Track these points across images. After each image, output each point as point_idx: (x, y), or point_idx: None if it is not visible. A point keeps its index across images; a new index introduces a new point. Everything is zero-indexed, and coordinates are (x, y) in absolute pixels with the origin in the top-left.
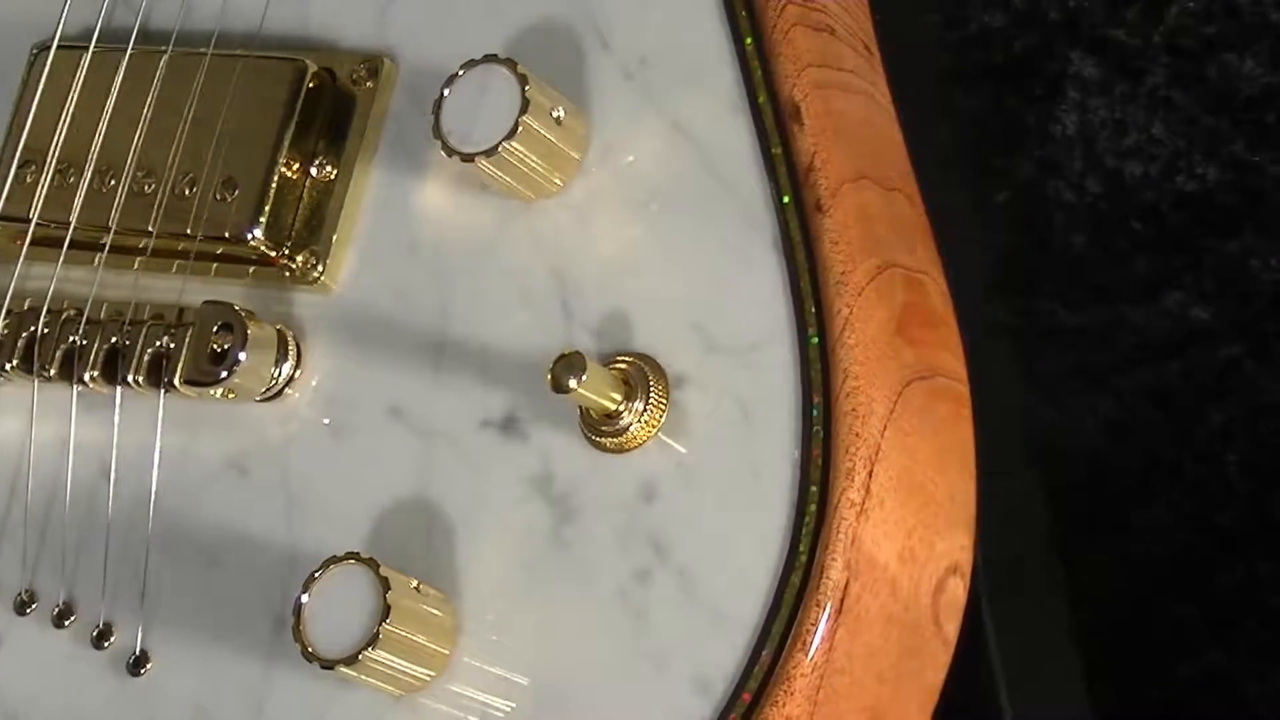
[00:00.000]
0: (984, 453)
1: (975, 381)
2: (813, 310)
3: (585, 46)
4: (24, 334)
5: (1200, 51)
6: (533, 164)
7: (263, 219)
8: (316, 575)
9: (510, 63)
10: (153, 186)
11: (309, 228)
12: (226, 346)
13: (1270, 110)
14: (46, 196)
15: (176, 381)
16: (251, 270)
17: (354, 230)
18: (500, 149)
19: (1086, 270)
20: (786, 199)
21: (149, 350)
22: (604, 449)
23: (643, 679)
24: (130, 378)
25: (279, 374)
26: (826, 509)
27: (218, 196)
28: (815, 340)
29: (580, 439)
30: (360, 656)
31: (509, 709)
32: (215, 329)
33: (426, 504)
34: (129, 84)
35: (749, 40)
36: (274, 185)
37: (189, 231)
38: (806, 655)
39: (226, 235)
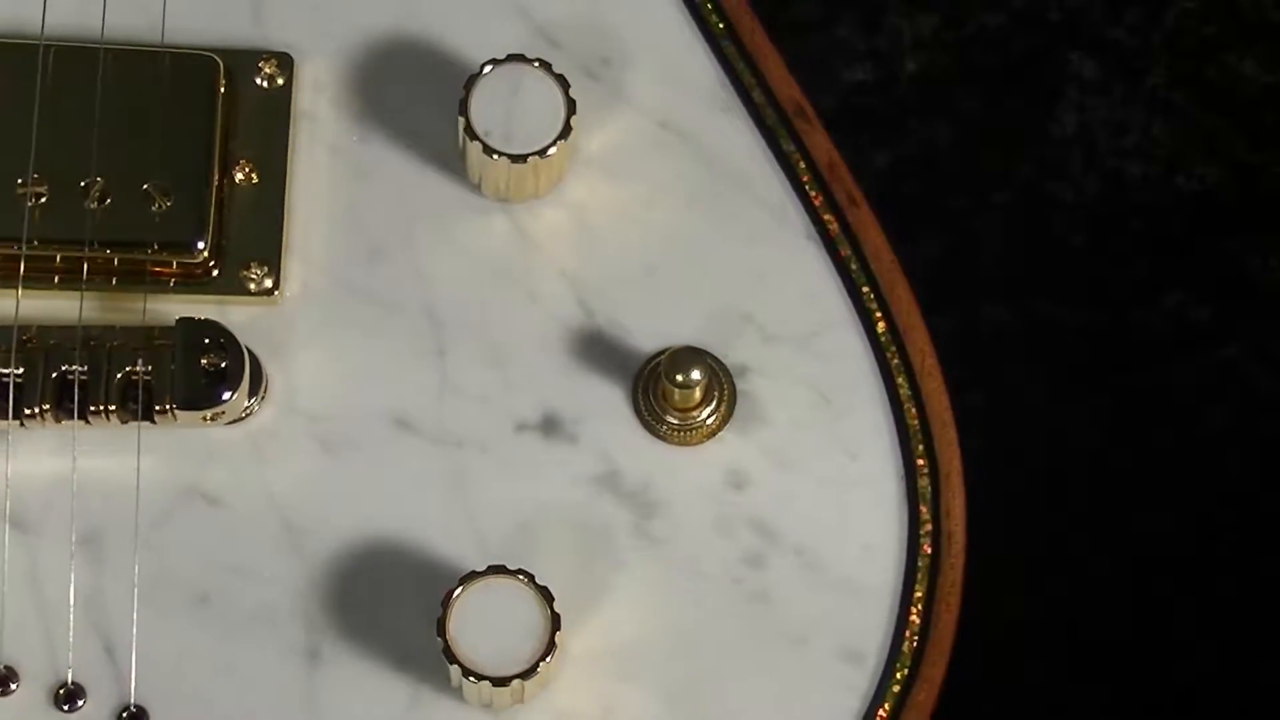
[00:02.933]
0: (985, 452)
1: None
2: (871, 295)
3: (526, 43)
4: None
5: (1200, 51)
6: (557, 165)
7: (209, 228)
8: (458, 592)
9: (545, 64)
10: (45, 197)
11: (243, 237)
12: (222, 365)
13: (1270, 110)
14: None
15: (169, 407)
16: (183, 284)
17: (295, 238)
18: (554, 149)
19: (1086, 270)
20: (815, 193)
21: (118, 376)
22: (673, 442)
23: (783, 657)
24: (101, 408)
25: (256, 394)
26: (939, 479)
27: (150, 206)
28: (882, 323)
29: (641, 434)
30: (539, 669)
31: (635, 712)
32: (204, 347)
33: (467, 512)
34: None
35: (726, 43)
36: (213, 191)
37: (97, 242)
38: (953, 615)
39: (159, 247)
